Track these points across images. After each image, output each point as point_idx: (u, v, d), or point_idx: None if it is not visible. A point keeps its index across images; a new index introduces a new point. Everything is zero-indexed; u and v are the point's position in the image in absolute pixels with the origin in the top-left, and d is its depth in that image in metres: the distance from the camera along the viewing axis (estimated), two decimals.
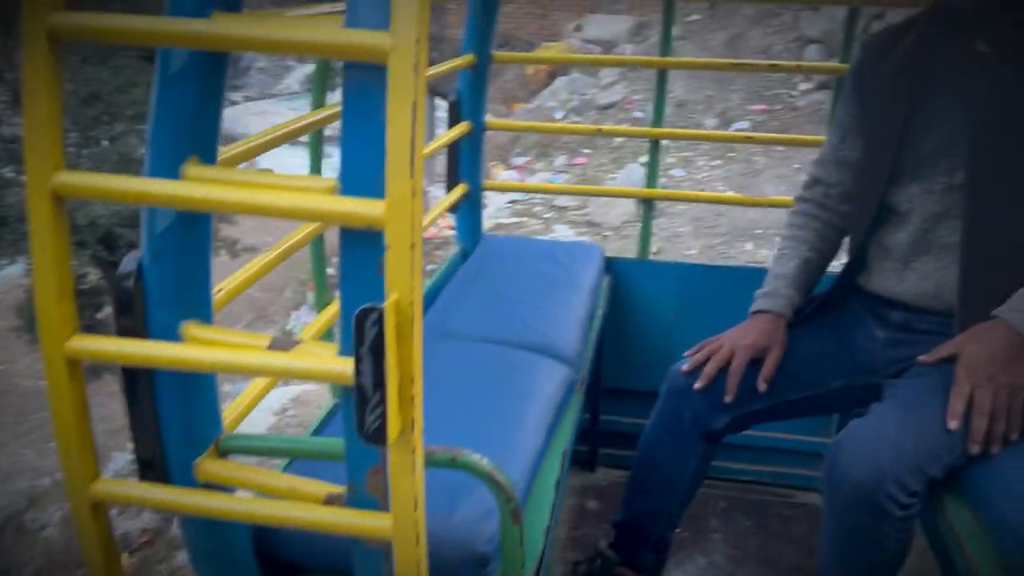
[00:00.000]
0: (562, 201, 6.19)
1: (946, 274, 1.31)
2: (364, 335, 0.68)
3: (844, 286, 1.48)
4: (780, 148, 6.27)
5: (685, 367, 1.49)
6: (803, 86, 6.95)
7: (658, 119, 2.12)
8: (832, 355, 1.47)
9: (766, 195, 5.52)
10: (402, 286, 0.69)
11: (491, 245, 2.18)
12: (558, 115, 8.26)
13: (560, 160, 6.95)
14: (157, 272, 0.81)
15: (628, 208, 5.55)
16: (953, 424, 1.15)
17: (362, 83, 0.70)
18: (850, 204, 1.53)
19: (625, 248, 5.10)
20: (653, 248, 2.23)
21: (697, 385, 1.45)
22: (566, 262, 2.04)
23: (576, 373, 1.58)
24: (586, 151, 6.91)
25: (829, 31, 7.14)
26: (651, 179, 2.19)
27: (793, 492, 2.15)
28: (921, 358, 1.27)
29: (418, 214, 0.68)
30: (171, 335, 0.83)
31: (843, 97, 1.54)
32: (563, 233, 5.48)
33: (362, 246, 0.72)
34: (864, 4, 2.03)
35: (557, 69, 10.20)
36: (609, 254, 2.19)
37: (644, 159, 6.05)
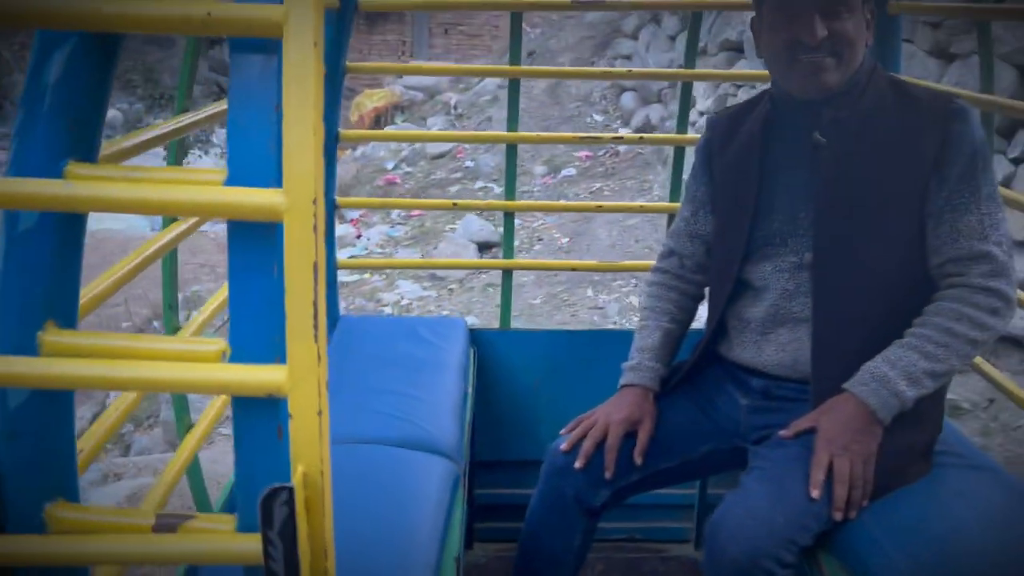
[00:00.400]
0: (404, 254, 6.13)
1: (801, 345, 1.39)
2: (273, 518, 0.62)
3: (707, 356, 1.55)
4: (608, 193, 6.56)
5: (564, 446, 1.50)
6: (622, 132, 7.35)
7: (510, 193, 2.14)
8: (699, 423, 1.53)
9: (599, 239, 5.77)
10: (310, 457, 0.64)
11: (350, 327, 2.11)
12: (388, 165, 8.22)
13: (397, 211, 6.92)
14: (13, 454, 0.71)
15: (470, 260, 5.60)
16: (815, 493, 1.23)
17: (251, 240, 0.65)
18: (704, 274, 1.62)
19: (472, 301, 5.12)
20: (499, 300, 2.23)
21: (577, 464, 1.47)
22: (431, 340, 2.00)
23: (458, 467, 1.55)
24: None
25: (641, 80, 7.62)
26: (508, 251, 2.19)
27: (665, 546, 2.20)
28: (782, 433, 1.35)
29: (324, 378, 0.64)
30: (34, 521, 0.72)
31: (693, 172, 1.62)
32: (407, 289, 5.42)
33: (259, 412, 0.66)
34: (699, 79, 2.16)
35: (383, 116, 10.18)
36: (472, 324, 2.18)
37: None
